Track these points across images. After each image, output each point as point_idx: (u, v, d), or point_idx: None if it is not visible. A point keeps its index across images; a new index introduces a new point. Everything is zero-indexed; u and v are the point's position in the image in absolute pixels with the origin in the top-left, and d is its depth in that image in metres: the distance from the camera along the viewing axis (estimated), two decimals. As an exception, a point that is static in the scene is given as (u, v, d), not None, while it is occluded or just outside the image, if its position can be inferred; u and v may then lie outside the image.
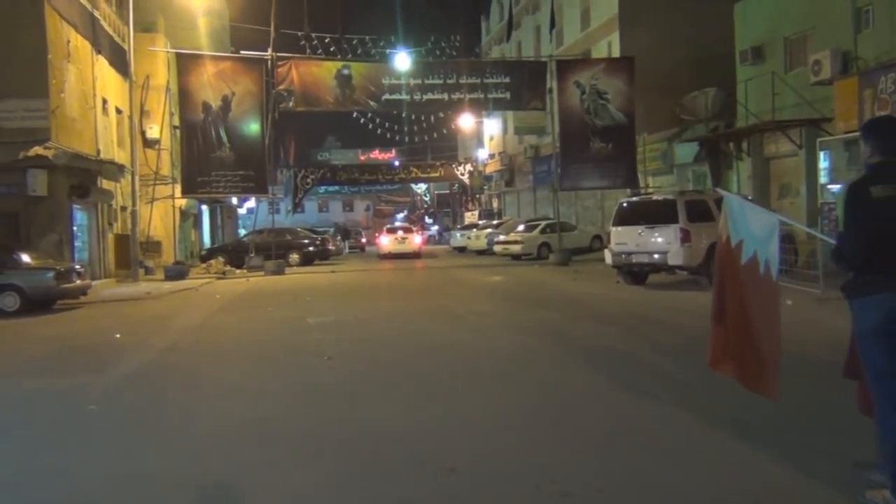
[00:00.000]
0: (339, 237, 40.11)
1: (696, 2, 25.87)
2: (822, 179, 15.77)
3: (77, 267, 16.93)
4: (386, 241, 33.91)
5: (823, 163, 16.66)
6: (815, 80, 17.88)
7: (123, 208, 24.59)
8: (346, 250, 38.18)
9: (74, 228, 20.35)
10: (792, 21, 19.82)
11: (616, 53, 28.63)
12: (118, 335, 11.47)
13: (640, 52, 26.05)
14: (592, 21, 32.13)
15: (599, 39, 31.24)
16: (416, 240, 34.20)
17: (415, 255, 32.83)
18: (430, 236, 56.38)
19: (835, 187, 6.72)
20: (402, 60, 27.86)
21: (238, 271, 25.34)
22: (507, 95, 26.78)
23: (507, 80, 26.60)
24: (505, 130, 45.39)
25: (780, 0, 20.28)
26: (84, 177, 20.22)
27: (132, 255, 23.15)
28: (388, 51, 30.04)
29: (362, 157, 64.81)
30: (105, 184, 22.18)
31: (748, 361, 4.55)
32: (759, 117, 20.00)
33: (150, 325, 12.70)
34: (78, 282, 16.24)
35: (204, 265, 26.33)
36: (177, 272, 23.16)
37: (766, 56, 20.84)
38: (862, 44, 17.09)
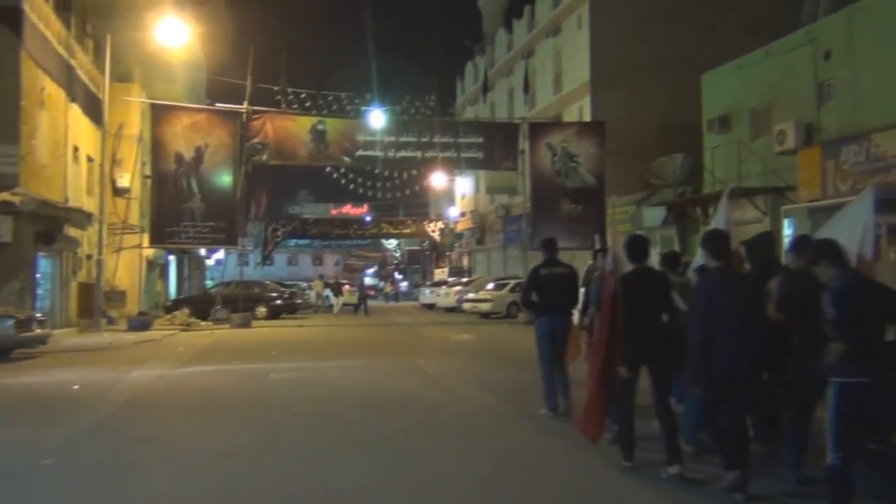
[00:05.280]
0: (328, 293, 37.64)
1: (665, 70, 26.58)
2: (787, 246, 16.07)
3: (38, 315, 16.54)
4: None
5: (788, 230, 17.02)
6: (780, 150, 18.35)
7: (89, 256, 24.22)
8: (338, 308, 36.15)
9: (38, 276, 19.94)
10: (757, 92, 20.42)
11: (587, 117, 29.17)
12: (76, 386, 11.16)
13: (610, 117, 26.63)
14: (565, 86, 32.84)
15: (571, 103, 31.89)
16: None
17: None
18: (399, 292, 56.30)
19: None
20: (377, 118, 28.04)
21: (203, 323, 24.95)
22: (480, 155, 27.17)
23: (480, 139, 27.04)
24: (477, 189, 45.75)
25: (745, 71, 20.92)
26: (50, 224, 19.93)
27: (95, 304, 22.70)
28: (363, 108, 30.32)
29: (334, 212, 64.78)
30: (71, 231, 21.86)
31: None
32: (724, 183, 20.38)
33: (110, 377, 12.36)
34: (38, 330, 15.81)
35: (169, 316, 25.88)
36: (140, 323, 22.73)
37: (732, 125, 21.39)
38: (825, 115, 17.62)
